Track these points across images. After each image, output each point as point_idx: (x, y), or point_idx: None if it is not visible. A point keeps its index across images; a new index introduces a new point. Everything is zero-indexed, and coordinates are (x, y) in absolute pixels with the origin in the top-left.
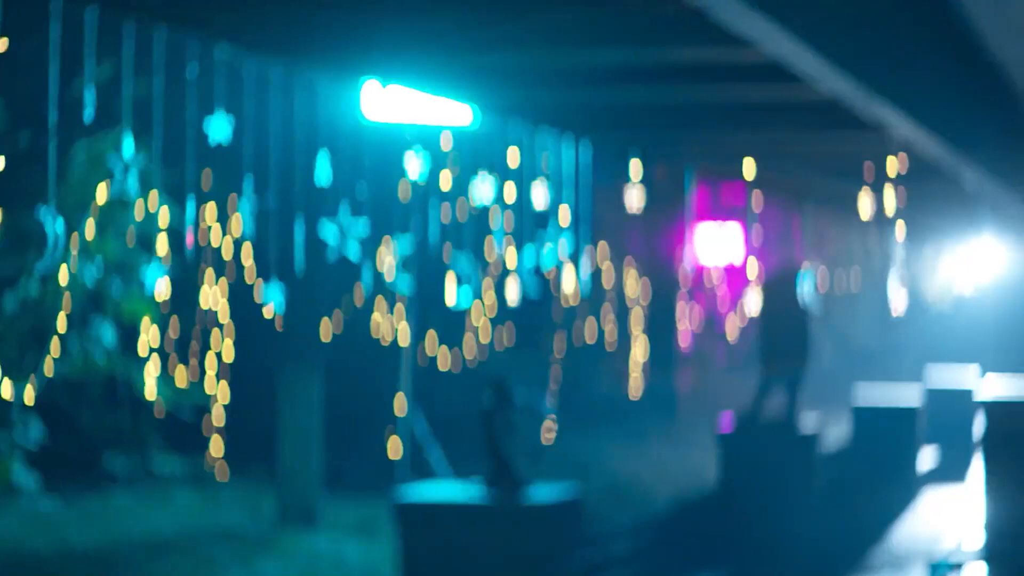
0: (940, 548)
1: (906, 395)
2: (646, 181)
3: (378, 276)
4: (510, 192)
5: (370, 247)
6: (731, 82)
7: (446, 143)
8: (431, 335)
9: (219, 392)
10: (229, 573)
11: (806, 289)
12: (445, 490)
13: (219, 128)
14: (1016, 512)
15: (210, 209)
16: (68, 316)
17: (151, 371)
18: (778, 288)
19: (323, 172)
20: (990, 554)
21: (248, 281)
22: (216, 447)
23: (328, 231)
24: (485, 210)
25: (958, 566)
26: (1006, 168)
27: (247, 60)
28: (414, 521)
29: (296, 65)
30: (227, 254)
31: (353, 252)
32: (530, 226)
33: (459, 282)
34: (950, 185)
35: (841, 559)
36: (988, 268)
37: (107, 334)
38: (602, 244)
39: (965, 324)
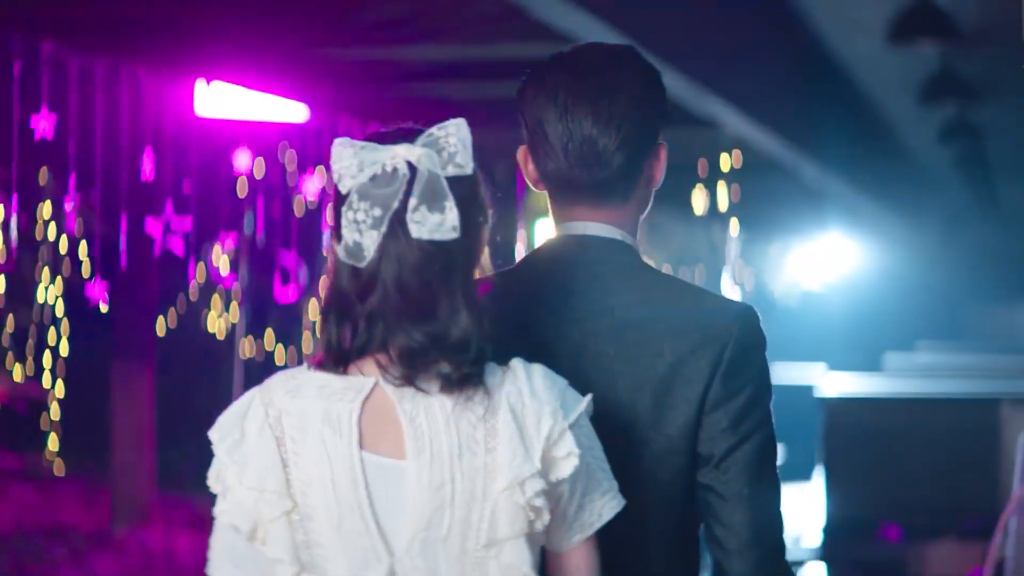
0: None
1: None
2: (484, 178)
3: (209, 273)
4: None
5: (200, 243)
6: None
7: (277, 139)
8: (269, 332)
9: (55, 388)
10: (62, 570)
11: None
12: None
13: (45, 125)
14: (854, 511)
15: (46, 206)
16: None
17: None
18: None
19: (149, 168)
20: (828, 553)
21: (84, 277)
22: (53, 443)
23: (154, 228)
24: (318, 206)
25: (796, 564)
26: (850, 165)
27: (71, 57)
28: None
29: (121, 62)
30: (63, 250)
31: (179, 248)
32: None
33: (290, 279)
34: (792, 182)
35: None
36: (836, 265)
37: None
38: None
39: (812, 321)
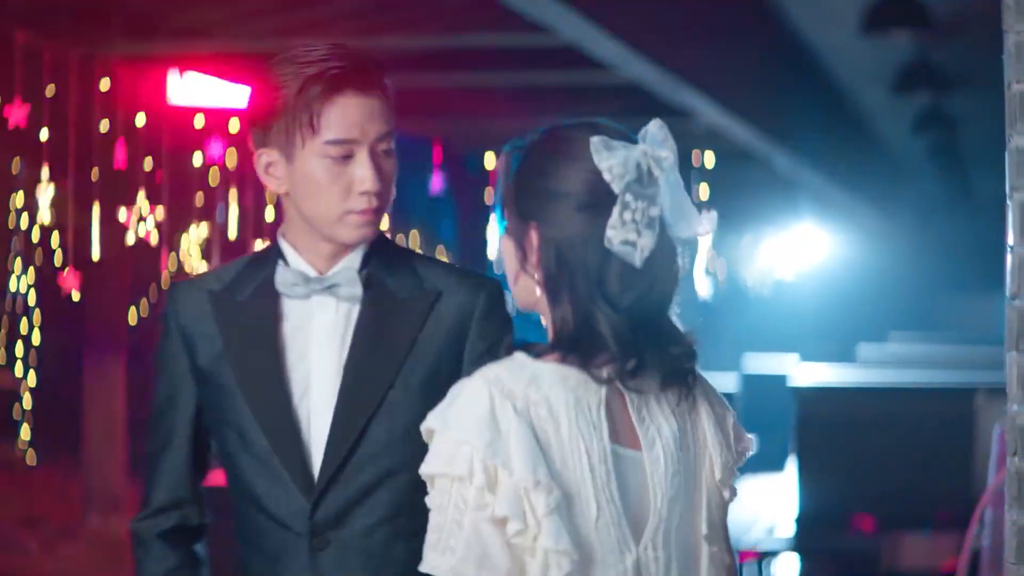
0: (750, 538)
1: (720, 381)
2: (454, 167)
3: (180, 262)
4: None
5: (172, 233)
6: (532, 67)
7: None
8: None
9: (28, 378)
10: (34, 560)
11: None
12: None
13: (18, 114)
14: (827, 502)
15: (19, 195)
16: None
17: None
18: None
19: (121, 158)
20: (801, 544)
21: (57, 266)
22: (25, 433)
23: (125, 217)
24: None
25: (769, 555)
26: (823, 155)
27: (45, 46)
28: (210, 504)
29: (94, 52)
30: (35, 239)
31: (151, 237)
32: None
33: None
34: (765, 171)
35: None
36: (809, 255)
37: None
38: (413, 232)
39: (785, 311)
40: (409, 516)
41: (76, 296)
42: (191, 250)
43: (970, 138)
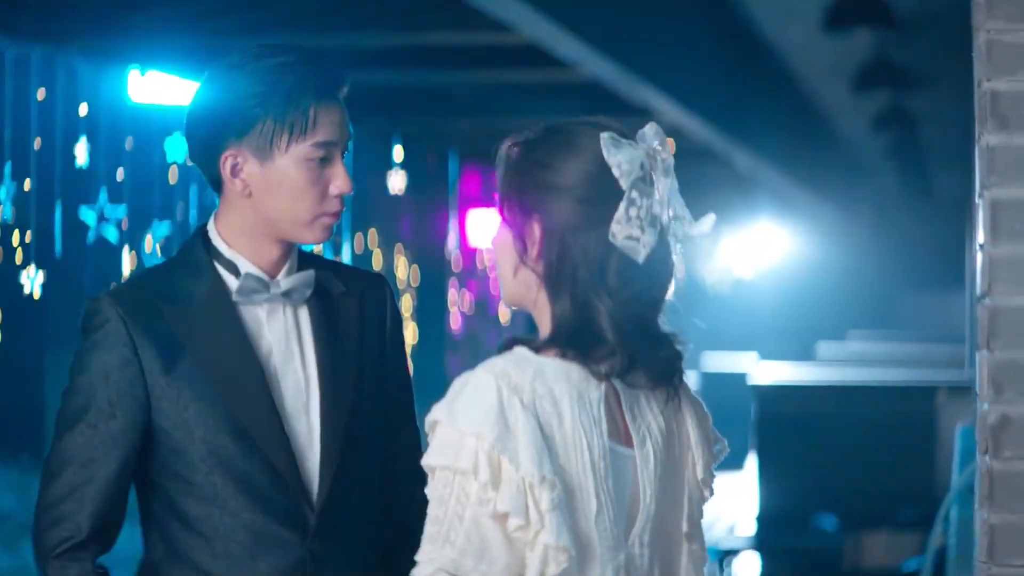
0: (711, 537)
1: None
2: (414, 166)
3: (141, 260)
4: None
5: (133, 231)
6: (493, 65)
7: None
8: None
9: None
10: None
11: None
12: None
13: None
14: (788, 500)
15: None
16: None
17: None
18: None
19: (83, 156)
20: (761, 543)
21: (18, 264)
22: None
23: (87, 215)
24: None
25: (729, 554)
26: (783, 152)
27: (7, 45)
28: None
29: (56, 51)
30: None
31: (112, 236)
32: None
33: None
34: (724, 169)
35: None
36: (768, 253)
37: None
38: (372, 231)
39: (744, 309)
40: (380, 510)
41: (37, 295)
42: (153, 248)
43: (930, 136)
